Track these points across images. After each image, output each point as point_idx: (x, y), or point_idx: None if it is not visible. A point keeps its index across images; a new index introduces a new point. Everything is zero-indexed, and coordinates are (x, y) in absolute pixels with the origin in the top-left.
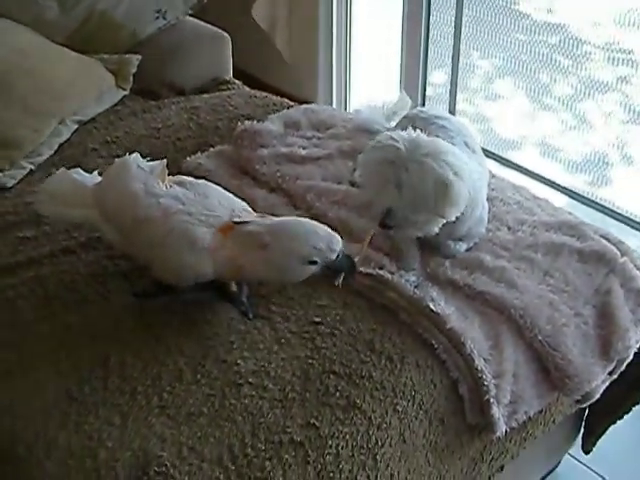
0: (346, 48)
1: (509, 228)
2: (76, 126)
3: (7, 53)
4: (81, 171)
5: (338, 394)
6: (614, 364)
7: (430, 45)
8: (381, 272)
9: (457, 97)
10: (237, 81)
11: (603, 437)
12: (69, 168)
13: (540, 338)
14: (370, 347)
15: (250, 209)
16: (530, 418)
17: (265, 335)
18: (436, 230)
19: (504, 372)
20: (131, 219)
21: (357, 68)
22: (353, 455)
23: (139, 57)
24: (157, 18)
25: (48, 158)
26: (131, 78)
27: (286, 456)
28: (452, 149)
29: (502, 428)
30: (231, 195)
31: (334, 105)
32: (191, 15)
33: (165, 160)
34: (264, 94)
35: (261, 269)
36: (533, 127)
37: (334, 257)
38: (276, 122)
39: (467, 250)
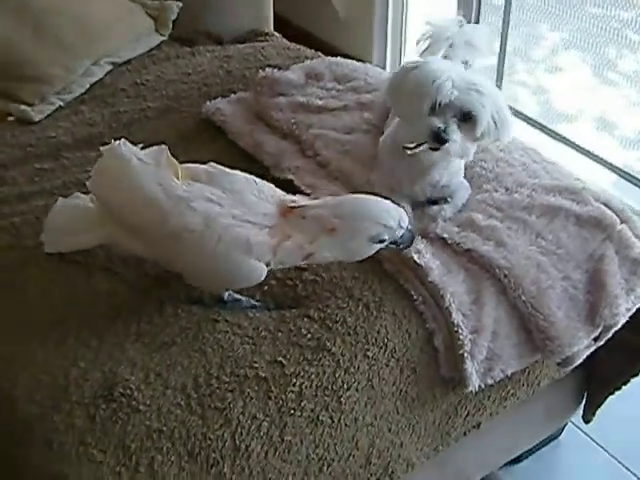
0: (403, 8)
1: (507, 189)
2: (110, 67)
3: None
4: (79, 194)
5: (309, 336)
6: (599, 330)
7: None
8: None
9: (518, 67)
10: (277, 34)
11: (610, 411)
12: (95, 108)
13: (524, 298)
14: (349, 294)
15: (277, 190)
16: (509, 377)
17: None
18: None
19: (482, 328)
20: (161, 232)
21: (413, 31)
22: (317, 395)
23: (180, 4)
24: None
25: (78, 96)
26: (170, 24)
27: (248, 390)
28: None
29: (475, 384)
30: (255, 178)
31: (388, 67)
32: None
33: (165, 146)
34: (298, 47)
35: (330, 253)
36: (593, 101)
37: (401, 234)
38: (297, 72)
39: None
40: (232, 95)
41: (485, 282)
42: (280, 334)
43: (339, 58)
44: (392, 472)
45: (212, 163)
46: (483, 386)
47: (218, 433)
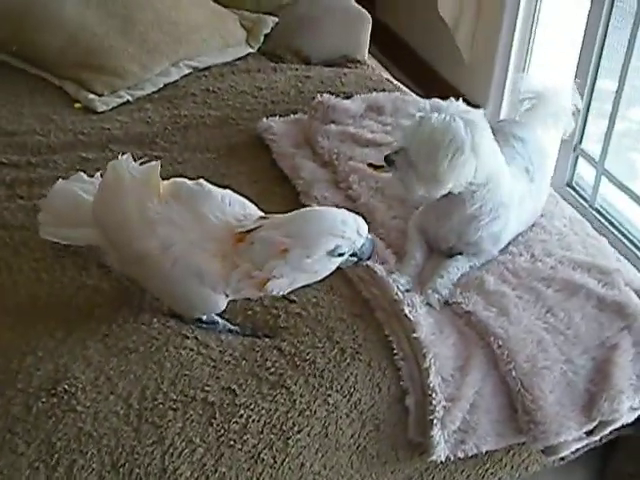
0: (525, 58)
1: (532, 256)
2: (189, 71)
3: None
4: (84, 176)
5: (272, 369)
6: (594, 424)
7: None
8: (378, 267)
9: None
10: (370, 62)
11: None
12: (158, 108)
13: (514, 374)
14: (329, 335)
15: (252, 207)
16: (489, 455)
17: (235, 303)
18: (435, 195)
19: (460, 397)
20: (129, 252)
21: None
22: (262, 431)
23: (275, 20)
24: None
25: (149, 94)
26: (262, 38)
27: (192, 412)
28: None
29: (442, 453)
30: (233, 197)
31: (502, 113)
32: None
33: (158, 162)
34: (383, 78)
35: (287, 277)
36: None
37: (361, 244)
38: (358, 102)
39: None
40: (291, 116)
41: (477, 349)
42: (244, 362)
43: (408, 95)
44: None
45: (201, 180)
46: (452, 458)
47: (148, 449)
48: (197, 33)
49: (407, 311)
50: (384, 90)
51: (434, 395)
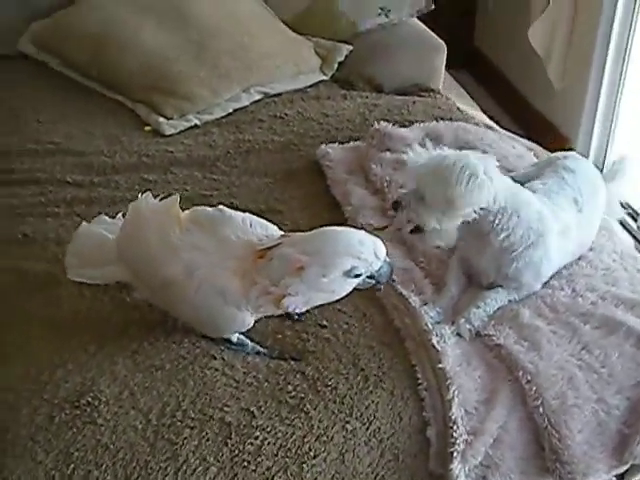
0: (617, 89)
1: (573, 290)
2: (259, 96)
3: (220, 14)
4: (106, 218)
5: (294, 393)
6: (626, 468)
7: None
8: (413, 297)
9: None
10: (443, 93)
11: None
12: (224, 132)
13: (542, 410)
14: (354, 362)
15: (273, 229)
16: None
17: (267, 326)
18: (454, 226)
19: (484, 431)
20: (156, 280)
21: (625, 115)
22: (277, 454)
23: (350, 48)
24: (380, 14)
25: (217, 118)
26: (335, 66)
27: (208, 430)
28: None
29: None
30: (253, 219)
31: (592, 151)
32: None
33: (177, 196)
34: (455, 106)
35: (302, 295)
36: None
37: (379, 266)
38: (416, 130)
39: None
40: (351, 142)
41: (504, 383)
42: (266, 384)
43: (471, 125)
44: None
45: (221, 206)
46: None
47: (162, 465)
48: (270, 60)
49: (435, 341)
50: (451, 119)
51: (455, 427)
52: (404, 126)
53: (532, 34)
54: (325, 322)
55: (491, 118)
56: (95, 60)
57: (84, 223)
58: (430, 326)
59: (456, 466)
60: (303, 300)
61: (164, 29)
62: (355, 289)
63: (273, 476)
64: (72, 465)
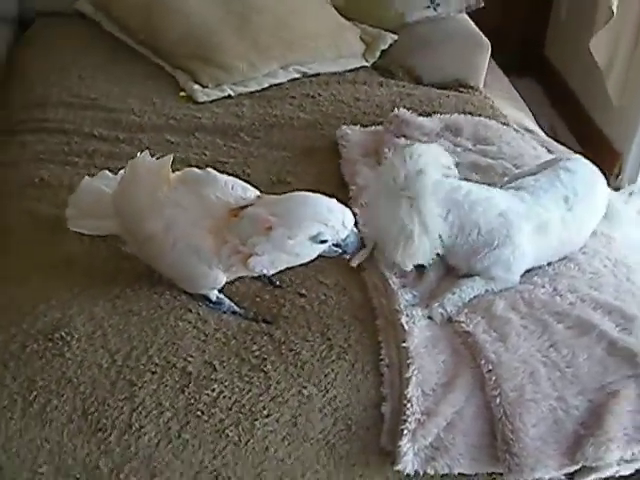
0: None
1: (554, 289)
2: (297, 75)
3: None
4: (108, 174)
5: (257, 353)
6: (576, 468)
7: None
8: (395, 279)
9: None
10: (483, 90)
11: None
12: (255, 105)
13: (499, 401)
14: (323, 331)
15: (255, 192)
16: (464, 478)
17: (249, 289)
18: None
19: (438, 413)
20: (140, 234)
21: None
22: (231, 409)
23: (395, 37)
24: (428, 7)
25: (251, 91)
26: (378, 53)
27: (167, 377)
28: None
29: (409, 465)
30: (237, 183)
31: None
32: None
33: (171, 155)
34: (490, 105)
35: (268, 255)
36: None
37: (345, 235)
38: (436, 121)
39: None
40: (372, 127)
41: (466, 370)
42: (233, 341)
43: (490, 121)
44: None
45: (209, 169)
46: (422, 473)
47: (119, 404)
48: (312, 40)
49: (404, 321)
50: (480, 115)
51: (409, 406)
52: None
53: (594, 45)
54: (304, 291)
55: (550, 128)
56: (144, 25)
57: (86, 177)
58: (402, 307)
59: (405, 444)
60: (269, 260)
61: (211, 0)
62: (321, 256)
63: (225, 429)
64: (35, 392)
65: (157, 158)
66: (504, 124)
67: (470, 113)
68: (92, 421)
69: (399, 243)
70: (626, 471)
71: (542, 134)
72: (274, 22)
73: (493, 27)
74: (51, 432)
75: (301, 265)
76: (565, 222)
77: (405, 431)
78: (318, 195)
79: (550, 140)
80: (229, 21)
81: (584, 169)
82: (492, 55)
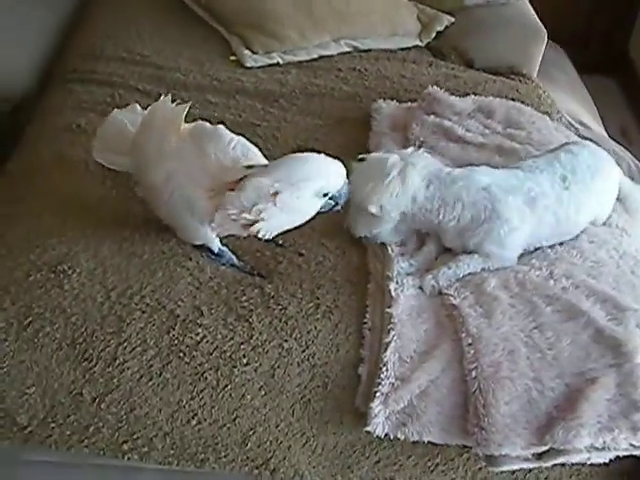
0: None
1: (550, 273)
2: (348, 49)
3: None
4: (138, 108)
5: (245, 304)
6: (544, 449)
7: None
8: (394, 247)
9: None
10: (535, 80)
11: None
12: (300, 74)
13: (474, 374)
14: (313, 290)
15: (256, 155)
16: (440, 450)
17: (251, 245)
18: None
19: (412, 380)
20: (146, 181)
21: None
22: (212, 353)
23: (452, 20)
24: None
25: (300, 61)
26: (433, 34)
27: (155, 317)
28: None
29: (379, 428)
30: (240, 142)
31: None
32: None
33: (187, 105)
34: (536, 94)
35: (277, 221)
36: None
37: (341, 186)
38: (469, 102)
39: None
40: (408, 103)
41: (447, 341)
42: (224, 291)
43: (526, 107)
44: (274, 469)
45: (219, 125)
46: (392, 437)
47: (107, 337)
48: (367, 16)
49: (392, 287)
50: (523, 103)
51: (385, 369)
52: None
53: None
54: (304, 251)
55: (620, 128)
56: None
57: (116, 109)
58: (394, 274)
59: (377, 406)
60: (276, 224)
61: None
62: (319, 213)
63: (204, 372)
64: (30, 318)
65: (177, 104)
66: (544, 113)
67: (512, 99)
68: (80, 350)
69: (373, 182)
70: (598, 459)
71: (598, 130)
72: None
73: (578, 25)
74: (41, 356)
75: (306, 224)
76: (561, 200)
77: (378, 394)
78: (311, 153)
79: (602, 135)
80: None
81: (588, 153)
82: (573, 52)
